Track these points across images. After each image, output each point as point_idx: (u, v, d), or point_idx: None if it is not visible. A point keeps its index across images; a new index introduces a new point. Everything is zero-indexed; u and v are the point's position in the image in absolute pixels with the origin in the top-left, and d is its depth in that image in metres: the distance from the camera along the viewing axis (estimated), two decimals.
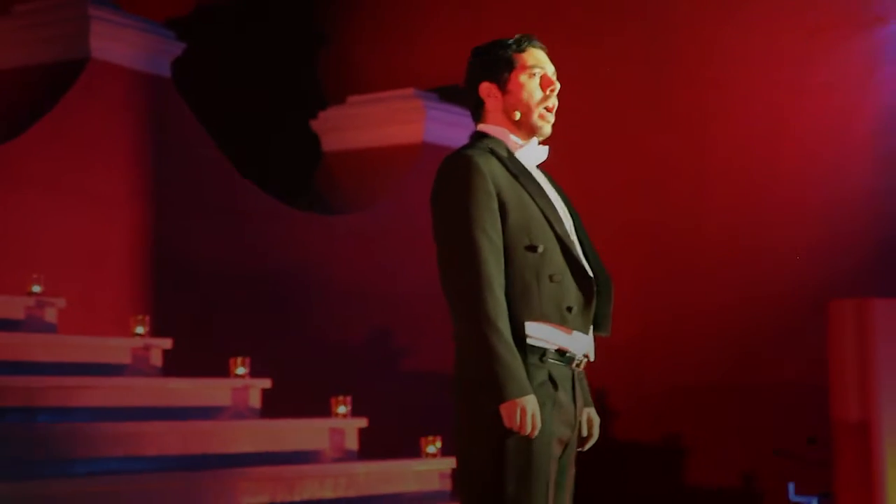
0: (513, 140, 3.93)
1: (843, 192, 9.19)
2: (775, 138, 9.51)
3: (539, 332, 3.76)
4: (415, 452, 7.79)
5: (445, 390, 9.89)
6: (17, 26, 8.85)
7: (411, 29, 11.07)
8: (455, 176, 3.79)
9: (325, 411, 7.78)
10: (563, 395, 3.81)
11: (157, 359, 7.66)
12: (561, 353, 3.80)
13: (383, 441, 8.12)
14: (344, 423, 7.68)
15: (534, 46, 3.96)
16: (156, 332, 7.90)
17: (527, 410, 3.65)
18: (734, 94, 9.69)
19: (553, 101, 3.94)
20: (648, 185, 9.99)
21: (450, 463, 7.75)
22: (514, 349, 3.67)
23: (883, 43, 9.24)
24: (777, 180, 9.46)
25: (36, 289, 7.62)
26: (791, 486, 7.97)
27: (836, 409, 7.46)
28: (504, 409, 3.65)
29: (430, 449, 7.72)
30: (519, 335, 3.73)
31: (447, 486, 7.71)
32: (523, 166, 3.90)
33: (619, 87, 10.13)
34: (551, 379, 3.77)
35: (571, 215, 3.95)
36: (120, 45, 8.71)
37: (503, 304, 3.70)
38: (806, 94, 9.42)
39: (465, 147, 3.89)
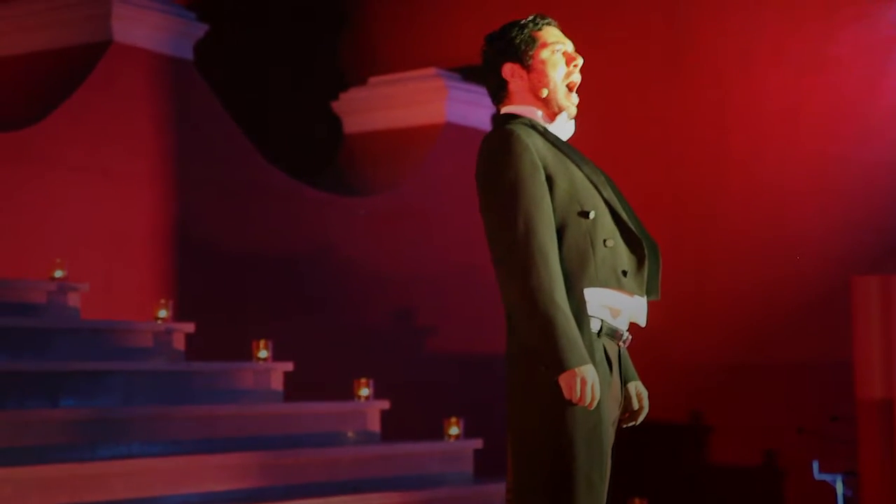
0: (541, 116, 3.91)
1: (865, 168, 9.14)
2: (796, 114, 9.46)
3: (598, 298, 3.72)
4: (437, 434, 7.80)
5: (469, 371, 9.88)
6: (39, 10, 8.85)
7: (432, 8, 11.04)
8: (500, 150, 3.75)
9: (348, 394, 7.80)
10: (615, 374, 3.78)
11: (179, 343, 7.66)
12: (611, 328, 3.75)
13: (406, 423, 8.13)
14: (366, 406, 7.69)
15: (549, 24, 3.94)
16: (178, 315, 7.92)
17: (587, 380, 3.57)
18: (754, 70, 9.63)
19: (576, 77, 3.92)
20: (667, 166, 9.95)
21: (472, 444, 7.75)
22: (572, 319, 3.61)
23: None
24: (798, 156, 9.41)
25: (58, 273, 7.64)
26: (815, 464, 7.95)
27: (860, 386, 7.45)
28: (563, 379, 3.57)
29: (453, 430, 7.73)
30: (579, 303, 3.68)
31: (469, 467, 7.72)
32: (559, 138, 3.88)
33: (640, 64, 10.08)
34: (607, 357, 3.74)
35: (608, 183, 3.93)
36: (142, 27, 8.71)
37: (559, 274, 3.64)
38: (826, 68, 9.36)
39: (502, 124, 3.85)
